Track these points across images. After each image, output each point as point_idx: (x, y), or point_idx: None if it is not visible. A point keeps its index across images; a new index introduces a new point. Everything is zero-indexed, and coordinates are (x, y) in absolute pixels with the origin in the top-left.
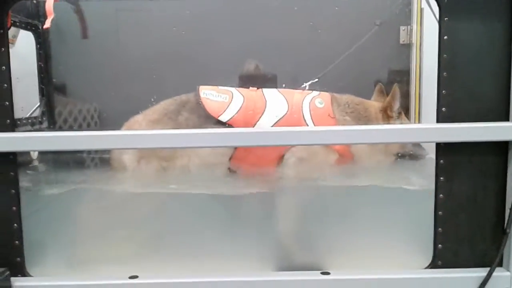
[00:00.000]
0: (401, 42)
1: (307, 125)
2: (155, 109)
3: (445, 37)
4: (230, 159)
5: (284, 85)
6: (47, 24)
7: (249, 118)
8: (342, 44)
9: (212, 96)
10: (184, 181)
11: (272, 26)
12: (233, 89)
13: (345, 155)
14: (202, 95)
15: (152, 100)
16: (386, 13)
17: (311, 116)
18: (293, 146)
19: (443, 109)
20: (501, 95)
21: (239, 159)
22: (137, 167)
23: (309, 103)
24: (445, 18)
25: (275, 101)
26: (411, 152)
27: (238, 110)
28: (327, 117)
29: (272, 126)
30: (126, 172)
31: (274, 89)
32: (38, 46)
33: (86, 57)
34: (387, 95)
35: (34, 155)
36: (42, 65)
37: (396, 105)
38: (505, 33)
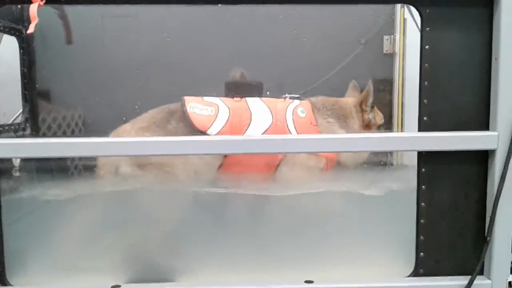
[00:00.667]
0: (384, 51)
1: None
2: (143, 118)
3: (427, 47)
4: (218, 168)
5: (268, 93)
6: (30, 29)
7: (236, 131)
8: (326, 52)
9: (198, 109)
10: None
11: (258, 34)
12: (218, 101)
13: (332, 160)
14: (188, 109)
15: (136, 107)
16: (369, 23)
17: (294, 125)
18: (283, 156)
19: (425, 118)
20: (481, 105)
21: (227, 169)
22: (127, 174)
23: (292, 112)
24: (427, 28)
25: (259, 111)
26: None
27: (225, 124)
28: (310, 125)
29: None
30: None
31: (257, 99)
32: (22, 51)
33: (70, 63)
34: (361, 91)
35: (16, 162)
36: (26, 71)
37: (370, 100)
38: (485, 43)
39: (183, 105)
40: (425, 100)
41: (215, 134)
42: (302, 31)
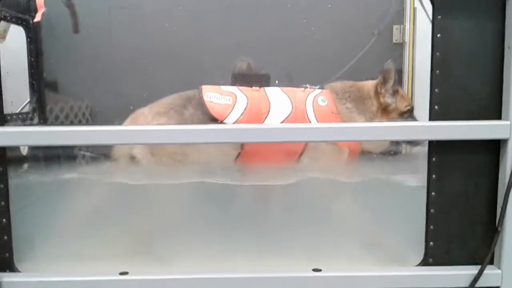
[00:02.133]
0: (394, 41)
1: None
2: (161, 103)
3: (438, 35)
4: (236, 159)
5: (277, 82)
6: (37, 18)
7: (254, 120)
8: (335, 41)
9: (215, 98)
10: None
11: (265, 22)
12: (236, 90)
13: (355, 151)
14: (205, 98)
15: (144, 96)
16: (379, 12)
17: (314, 114)
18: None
19: (436, 107)
20: (493, 94)
21: (245, 159)
22: (148, 162)
23: (312, 101)
24: (438, 17)
25: (278, 101)
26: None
27: (243, 112)
28: (331, 114)
29: None
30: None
31: (277, 88)
32: (29, 41)
33: (78, 53)
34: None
35: (24, 150)
36: (33, 60)
37: (390, 83)
38: (498, 31)
39: (200, 93)
40: (436, 89)
41: (233, 123)
42: (311, 20)
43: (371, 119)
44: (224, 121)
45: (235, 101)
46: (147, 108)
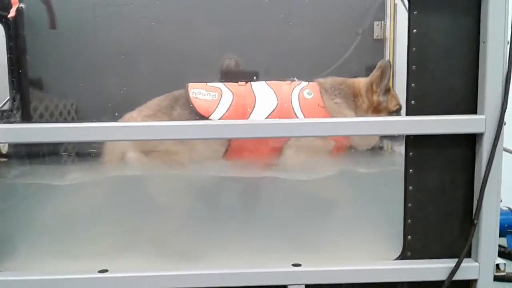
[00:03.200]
0: (375, 37)
1: (297, 117)
2: (149, 105)
3: (414, 31)
4: (224, 154)
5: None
6: (11, 13)
7: (240, 115)
8: (315, 37)
9: (200, 94)
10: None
11: (245, 18)
12: (221, 86)
13: (342, 145)
14: (191, 94)
15: (121, 92)
16: (360, 8)
17: (300, 107)
18: (287, 138)
19: (412, 102)
20: (469, 88)
21: (233, 155)
22: (139, 163)
23: (298, 94)
24: (414, 12)
25: (264, 95)
26: None
27: (228, 108)
28: (317, 107)
29: None
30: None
31: (262, 82)
32: (8, 38)
33: (60, 50)
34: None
35: (4, 148)
36: (12, 58)
37: (384, 82)
38: (473, 27)
39: (186, 91)
40: (412, 84)
41: (219, 119)
42: (291, 15)
43: (360, 116)
44: (210, 117)
45: (221, 97)
46: (135, 112)
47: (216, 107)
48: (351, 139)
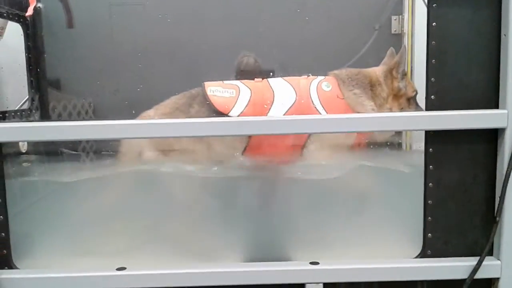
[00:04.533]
0: (393, 32)
1: (317, 110)
2: (166, 104)
3: (434, 24)
4: (243, 152)
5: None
6: (29, 12)
7: (259, 111)
8: (331, 33)
9: (218, 92)
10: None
11: (260, 14)
12: (238, 83)
13: (364, 137)
14: (208, 92)
15: (138, 89)
16: (377, 3)
17: (319, 100)
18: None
19: (432, 96)
20: (490, 82)
21: (252, 152)
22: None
23: (316, 87)
24: (434, 5)
25: (282, 90)
26: None
27: (247, 104)
28: (336, 99)
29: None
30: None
31: (279, 78)
32: (26, 37)
33: (77, 49)
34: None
35: (24, 147)
36: (31, 57)
37: (402, 67)
38: (494, 19)
39: (203, 90)
40: (432, 79)
41: (238, 115)
42: (307, 10)
43: (381, 105)
44: (229, 114)
45: (239, 94)
46: (152, 110)
47: (235, 103)
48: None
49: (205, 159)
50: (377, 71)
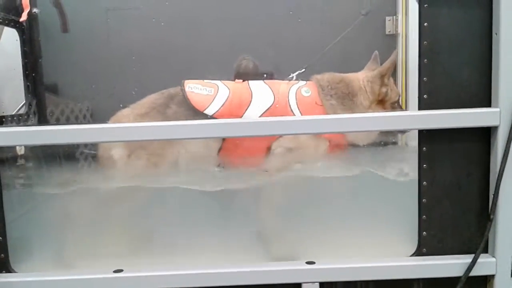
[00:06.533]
0: (387, 32)
1: (294, 114)
2: (142, 103)
3: (425, 24)
4: (218, 152)
5: (265, 76)
6: (23, 17)
7: (235, 111)
8: (327, 34)
9: (196, 89)
10: (174, 176)
11: (254, 17)
12: (218, 82)
13: (338, 143)
14: (187, 89)
15: (133, 92)
16: (371, 3)
17: (297, 105)
18: (279, 136)
19: (425, 96)
20: (483, 81)
21: (227, 151)
22: (127, 163)
23: (295, 92)
24: (425, 5)
25: (260, 92)
26: None
27: (224, 103)
28: (314, 105)
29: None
30: (115, 168)
31: (260, 81)
32: (22, 42)
33: (72, 53)
34: (381, 64)
35: (21, 151)
36: (27, 62)
37: (390, 73)
38: (485, 18)
39: (182, 86)
40: (424, 78)
41: (213, 114)
42: (297, 9)
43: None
44: (204, 112)
45: (217, 92)
46: (128, 109)
47: (212, 102)
48: (348, 135)
49: (179, 159)
50: (361, 78)
